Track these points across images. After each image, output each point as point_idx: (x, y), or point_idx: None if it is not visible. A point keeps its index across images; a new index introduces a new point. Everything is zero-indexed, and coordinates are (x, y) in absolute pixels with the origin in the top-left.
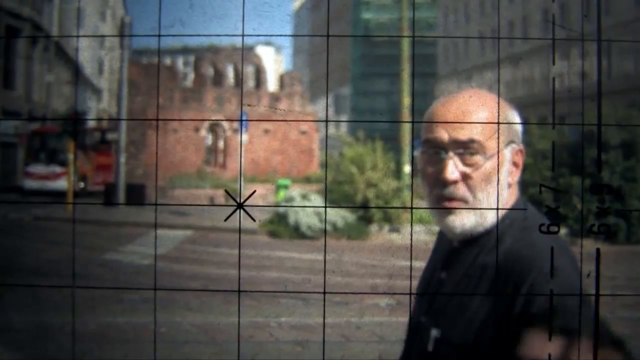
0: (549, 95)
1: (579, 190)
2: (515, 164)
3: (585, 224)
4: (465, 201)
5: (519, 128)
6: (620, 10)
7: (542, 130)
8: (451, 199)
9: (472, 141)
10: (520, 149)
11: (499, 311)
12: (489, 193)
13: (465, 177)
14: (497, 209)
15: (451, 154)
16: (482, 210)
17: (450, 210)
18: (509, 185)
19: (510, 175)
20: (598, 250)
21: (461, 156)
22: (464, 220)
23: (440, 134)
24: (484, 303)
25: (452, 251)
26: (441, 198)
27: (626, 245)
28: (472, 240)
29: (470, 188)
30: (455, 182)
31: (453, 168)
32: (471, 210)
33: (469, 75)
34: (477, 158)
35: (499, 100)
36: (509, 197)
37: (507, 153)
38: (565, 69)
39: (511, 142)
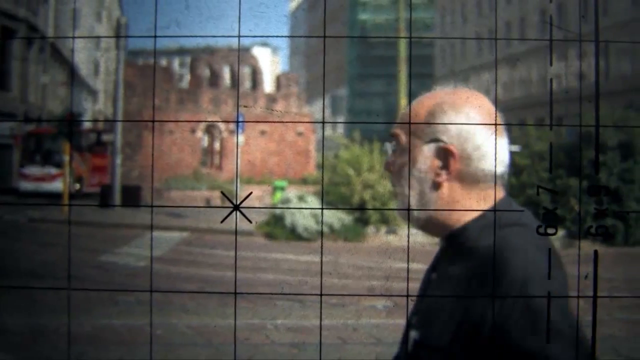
0: (546, 96)
1: (577, 191)
2: (442, 164)
3: (583, 226)
4: (394, 191)
5: (457, 128)
6: (618, 10)
7: (540, 131)
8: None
9: (393, 134)
10: (447, 148)
11: (474, 313)
12: (403, 187)
13: (391, 168)
14: (495, 210)
15: (389, 146)
16: (401, 201)
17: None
18: (437, 185)
19: (435, 175)
20: (596, 252)
21: (392, 148)
22: (400, 212)
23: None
24: (459, 305)
25: (440, 251)
26: None
27: (624, 247)
28: (454, 240)
29: (393, 178)
30: (390, 172)
31: (386, 160)
32: (396, 200)
33: (466, 76)
34: (397, 152)
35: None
36: (451, 198)
37: (427, 150)
38: (562, 70)
39: (435, 140)
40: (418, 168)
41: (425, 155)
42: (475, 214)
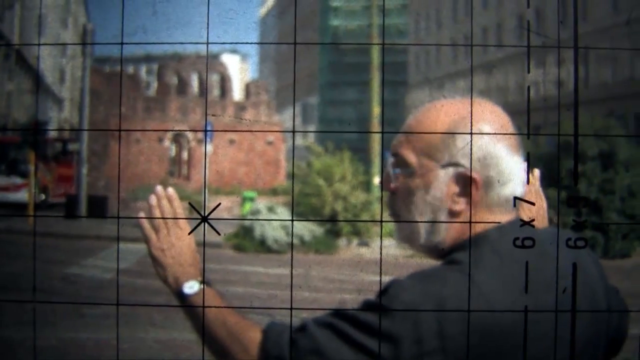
0: (523, 104)
1: (555, 202)
2: (460, 191)
3: (562, 238)
4: (394, 214)
5: (481, 151)
6: (598, 16)
7: None
8: (389, 210)
9: (395, 154)
10: (468, 175)
11: None
12: (411, 212)
13: (397, 189)
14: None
15: (390, 165)
16: (406, 228)
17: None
18: (454, 213)
19: (452, 202)
20: (575, 265)
21: (395, 170)
22: (397, 234)
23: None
24: None
25: None
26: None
27: (604, 259)
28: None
29: (395, 201)
30: (391, 192)
31: (387, 178)
32: (397, 225)
33: (441, 83)
34: (402, 174)
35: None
36: (459, 227)
37: (443, 175)
38: (540, 77)
39: (453, 164)
40: (432, 194)
41: (442, 180)
42: (455, 241)
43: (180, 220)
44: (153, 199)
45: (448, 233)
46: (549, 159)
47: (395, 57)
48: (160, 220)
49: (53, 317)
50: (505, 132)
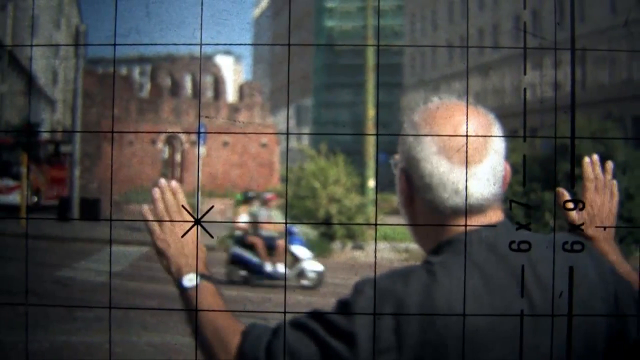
0: (520, 106)
1: (551, 205)
2: (408, 190)
3: (558, 241)
4: None
5: (405, 153)
6: (595, 17)
7: (513, 143)
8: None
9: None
10: (399, 174)
11: None
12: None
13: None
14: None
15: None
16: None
17: None
18: (406, 211)
19: (400, 200)
20: (571, 268)
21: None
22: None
23: None
24: None
25: None
26: None
27: (607, 262)
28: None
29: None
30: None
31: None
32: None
33: (436, 85)
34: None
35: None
36: (415, 230)
37: (399, 173)
38: (537, 79)
39: (397, 163)
40: (398, 192)
41: (398, 178)
42: (436, 243)
43: (184, 211)
44: (156, 192)
45: (428, 235)
46: (546, 162)
47: (390, 59)
48: (164, 211)
49: (45, 320)
50: (452, 144)
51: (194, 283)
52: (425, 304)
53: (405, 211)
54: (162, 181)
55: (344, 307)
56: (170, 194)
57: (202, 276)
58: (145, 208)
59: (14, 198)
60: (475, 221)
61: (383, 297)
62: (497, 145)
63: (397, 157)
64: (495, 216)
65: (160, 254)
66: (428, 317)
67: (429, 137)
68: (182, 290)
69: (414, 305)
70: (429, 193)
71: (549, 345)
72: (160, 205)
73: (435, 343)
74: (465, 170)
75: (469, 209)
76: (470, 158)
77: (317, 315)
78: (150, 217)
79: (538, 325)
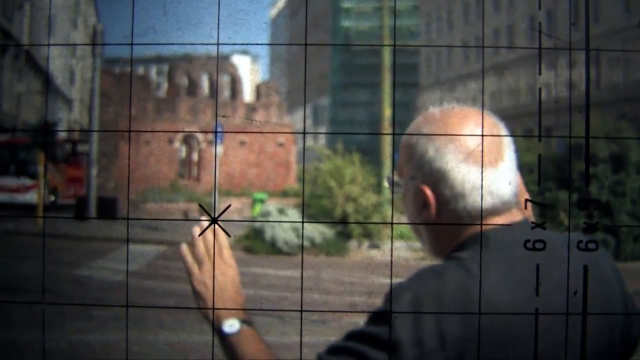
0: (535, 106)
1: (566, 205)
2: (421, 203)
3: (573, 240)
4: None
5: (428, 165)
6: (609, 18)
7: (528, 142)
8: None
9: (394, 163)
10: (420, 188)
11: None
12: (406, 219)
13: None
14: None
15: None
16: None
17: None
18: (424, 221)
19: (418, 214)
20: (586, 267)
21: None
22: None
23: None
24: None
25: None
26: None
27: (615, 262)
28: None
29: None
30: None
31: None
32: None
33: (452, 85)
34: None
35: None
36: (434, 237)
37: (410, 187)
38: (552, 79)
39: (413, 177)
40: (406, 206)
41: (408, 193)
42: (457, 243)
43: (225, 253)
44: (197, 231)
45: (450, 237)
46: (560, 161)
47: (406, 59)
48: (204, 253)
49: (62, 319)
50: (472, 150)
51: (235, 328)
52: (464, 299)
53: (424, 225)
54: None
55: (382, 317)
56: (211, 233)
57: (243, 321)
58: (184, 247)
59: (31, 197)
60: (502, 219)
61: (421, 299)
62: (512, 146)
63: (403, 174)
64: (517, 215)
65: (199, 297)
66: (472, 311)
67: (453, 147)
68: (223, 336)
69: (454, 302)
70: (461, 201)
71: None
72: (201, 245)
73: (476, 338)
74: (492, 172)
75: (500, 208)
76: (491, 158)
77: (353, 335)
78: (189, 256)
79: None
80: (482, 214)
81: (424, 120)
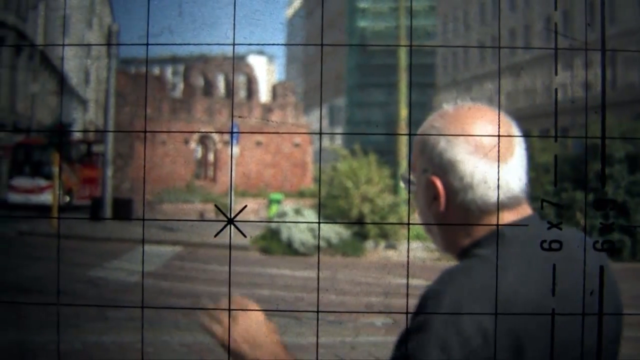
0: (551, 106)
1: (582, 205)
2: (433, 195)
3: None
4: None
5: (439, 157)
6: (625, 18)
7: (544, 143)
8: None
9: (410, 162)
10: (431, 180)
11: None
12: (418, 217)
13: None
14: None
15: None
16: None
17: None
18: (437, 217)
19: (428, 206)
20: (602, 267)
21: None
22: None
23: None
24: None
25: None
26: None
27: (631, 262)
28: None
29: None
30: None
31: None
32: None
33: (468, 85)
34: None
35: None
36: (445, 232)
37: (422, 181)
38: (568, 79)
39: (424, 170)
40: (419, 200)
41: (421, 186)
42: (473, 239)
43: (241, 301)
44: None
45: (440, 238)
46: (576, 162)
47: (422, 59)
48: (223, 338)
49: (77, 320)
50: (483, 144)
51: None
52: (494, 293)
53: (435, 218)
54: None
55: (424, 325)
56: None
57: None
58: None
59: (46, 198)
60: (512, 214)
61: (459, 300)
62: (522, 143)
63: (416, 170)
64: (526, 210)
65: (234, 354)
66: (501, 306)
67: (463, 139)
68: None
69: (489, 298)
70: (470, 192)
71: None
72: (219, 330)
73: (510, 331)
74: (502, 167)
75: (508, 203)
76: (502, 154)
77: (402, 356)
78: (206, 319)
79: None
80: (498, 211)
81: (437, 116)
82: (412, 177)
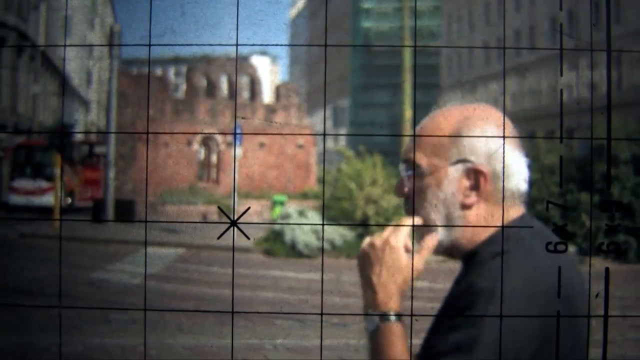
0: (556, 107)
1: (588, 206)
2: (471, 185)
3: (594, 242)
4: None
5: (486, 147)
6: (631, 19)
7: (550, 144)
8: (407, 215)
9: (407, 159)
10: (477, 169)
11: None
12: (427, 210)
13: (411, 193)
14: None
15: (403, 170)
16: (425, 227)
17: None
18: (466, 206)
19: (464, 197)
20: (607, 269)
21: (408, 173)
22: (423, 238)
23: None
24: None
25: (460, 270)
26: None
27: (636, 264)
28: (468, 262)
29: (416, 204)
30: (405, 197)
31: (400, 184)
32: (422, 227)
33: (473, 86)
34: (418, 175)
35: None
36: (479, 218)
37: (454, 171)
38: (573, 80)
39: (461, 160)
40: (444, 191)
41: (452, 176)
42: (487, 235)
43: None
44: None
45: (464, 231)
46: (582, 163)
47: (427, 60)
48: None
49: (79, 322)
50: (508, 132)
51: (373, 325)
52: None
53: (459, 210)
54: None
55: (477, 321)
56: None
57: (397, 316)
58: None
59: (48, 199)
60: (519, 210)
61: (513, 301)
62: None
63: (425, 163)
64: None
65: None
66: (543, 297)
67: (491, 132)
68: (370, 326)
69: (543, 289)
70: (506, 181)
71: None
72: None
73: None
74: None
75: (520, 196)
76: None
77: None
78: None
79: None
80: (503, 210)
81: (447, 113)
82: (423, 169)
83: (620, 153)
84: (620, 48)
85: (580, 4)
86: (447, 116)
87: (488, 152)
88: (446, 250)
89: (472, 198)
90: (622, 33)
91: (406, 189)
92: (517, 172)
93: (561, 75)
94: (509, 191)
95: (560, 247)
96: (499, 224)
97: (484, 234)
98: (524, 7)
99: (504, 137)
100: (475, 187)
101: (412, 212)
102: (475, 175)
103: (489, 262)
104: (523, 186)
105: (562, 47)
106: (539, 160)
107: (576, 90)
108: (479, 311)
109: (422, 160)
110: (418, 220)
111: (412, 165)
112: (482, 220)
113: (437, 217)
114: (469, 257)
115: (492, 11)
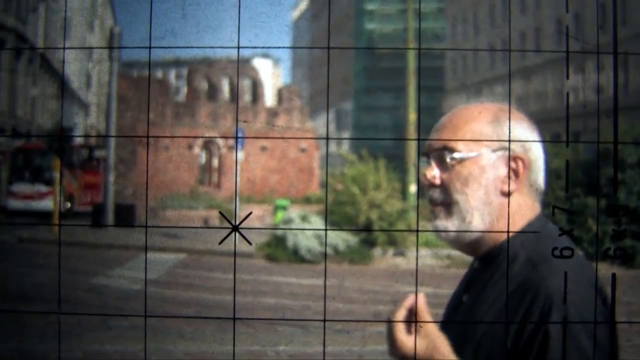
0: (562, 110)
1: (594, 211)
2: (512, 171)
3: (601, 247)
4: (445, 204)
5: (523, 137)
6: (637, 21)
7: (556, 147)
8: (434, 203)
9: (444, 147)
10: (518, 157)
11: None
12: (468, 196)
13: (442, 181)
14: (508, 231)
15: (431, 159)
16: (464, 213)
17: (435, 215)
18: (504, 193)
19: (502, 182)
20: (614, 275)
21: (438, 161)
22: (446, 225)
23: (425, 143)
24: (492, 329)
25: (474, 272)
26: (430, 204)
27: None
28: (489, 260)
29: (447, 191)
30: (433, 186)
31: (430, 171)
32: (452, 213)
33: (478, 89)
34: (451, 161)
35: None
36: (515, 206)
37: (495, 159)
38: (579, 83)
39: (501, 148)
40: (486, 177)
41: (493, 163)
42: (523, 224)
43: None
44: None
45: (500, 219)
46: (588, 167)
47: (431, 62)
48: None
49: (78, 328)
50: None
51: None
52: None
53: (494, 198)
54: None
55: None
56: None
57: None
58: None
59: (47, 204)
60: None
61: (583, 302)
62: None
63: (458, 149)
64: None
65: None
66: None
67: (527, 127)
68: None
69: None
70: (540, 174)
71: None
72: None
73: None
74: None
75: (540, 194)
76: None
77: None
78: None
79: None
80: (508, 208)
81: (481, 106)
82: (461, 154)
83: (627, 157)
84: (627, 50)
85: (587, 6)
86: (481, 109)
87: (525, 143)
88: (467, 246)
89: (512, 185)
90: (628, 35)
91: (436, 176)
92: (542, 168)
93: (567, 78)
94: (538, 185)
95: (567, 253)
96: (529, 215)
97: (521, 222)
98: (529, 9)
99: (509, 140)
100: (515, 175)
101: (438, 202)
102: (515, 163)
103: (550, 260)
104: (542, 184)
105: (568, 50)
106: (545, 164)
107: (582, 93)
108: (554, 314)
109: (460, 146)
110: (442, 208)
111: (438, 155)
112: (520, 210)
113: (475, 204)
114: (495, 252)
115: (497, 13)
